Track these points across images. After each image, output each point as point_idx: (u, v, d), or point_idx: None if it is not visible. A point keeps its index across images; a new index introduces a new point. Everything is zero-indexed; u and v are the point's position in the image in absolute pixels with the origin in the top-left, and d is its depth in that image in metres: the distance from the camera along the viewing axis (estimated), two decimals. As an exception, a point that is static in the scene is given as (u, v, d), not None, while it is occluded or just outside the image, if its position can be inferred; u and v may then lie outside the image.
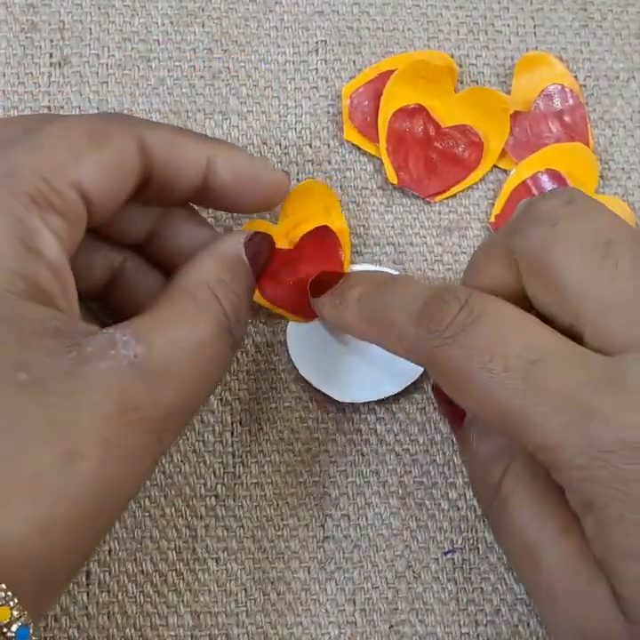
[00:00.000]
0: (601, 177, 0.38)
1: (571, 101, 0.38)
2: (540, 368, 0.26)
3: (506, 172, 0.38)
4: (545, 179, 0.37)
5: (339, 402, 0.34)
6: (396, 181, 0.37)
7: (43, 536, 0.23)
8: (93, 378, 0.25)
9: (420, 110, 0.38)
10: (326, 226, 0.35)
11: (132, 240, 0.33)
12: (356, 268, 0.36)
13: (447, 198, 0.38)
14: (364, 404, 0.35)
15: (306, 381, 0.35)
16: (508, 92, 0.39)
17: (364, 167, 0.38)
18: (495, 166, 0.38)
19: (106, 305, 0.34)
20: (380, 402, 0.35)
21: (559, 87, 0.39)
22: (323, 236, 0.35)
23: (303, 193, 0.36)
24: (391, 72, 0.38)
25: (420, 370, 0.34)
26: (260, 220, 0.36)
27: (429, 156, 0.37)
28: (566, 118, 0.38)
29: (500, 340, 0.26)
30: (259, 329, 0.36)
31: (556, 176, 0.37)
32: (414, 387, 0.35)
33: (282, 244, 0.35)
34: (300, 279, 0.34)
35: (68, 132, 0.28)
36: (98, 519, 0.25)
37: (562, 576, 0.27)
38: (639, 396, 0.25)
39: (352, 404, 0.35)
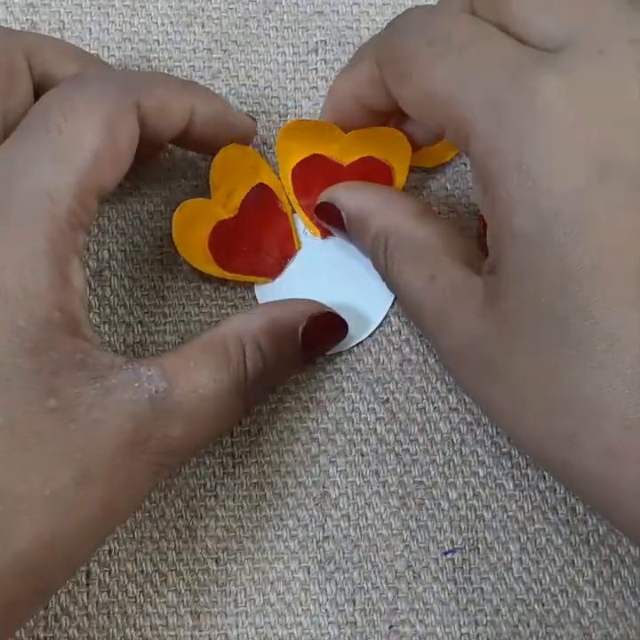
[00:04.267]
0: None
1: None
2: (476, 47, 0.28)
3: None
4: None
5: (338, 401, 0.35)
6: (319, 234, 0.36)
7: (47, 549, 0.26)
8: (114, 408, 0.27)
9: (317, 157, 0.36)
10: (260, 183, 0.35)
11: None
12: None
13: None
14: (363, 404, 0.35)
15: (305, 381, 0.35)
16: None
17: (363, 167, 0.38)
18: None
19: None
20: (380, 401, 0.35)
21: None
22: (260, 194, 0.35)
23: (227, 161, 0.35)
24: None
25: (385, 311, 0.35)
26: (195, 200, 0.35)
27: None
28: None
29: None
30: (258, 329, 0.35)
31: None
32: (413, 387, 0.35)
33: (222, 215, 0.35)
34: (254, 242, 0.35)
35: (86, 127, 0.28)
36: (94, 538, 0.28)
37: (441, 304, 0.30)
38: (565, 64, 0.26)
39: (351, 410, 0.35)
